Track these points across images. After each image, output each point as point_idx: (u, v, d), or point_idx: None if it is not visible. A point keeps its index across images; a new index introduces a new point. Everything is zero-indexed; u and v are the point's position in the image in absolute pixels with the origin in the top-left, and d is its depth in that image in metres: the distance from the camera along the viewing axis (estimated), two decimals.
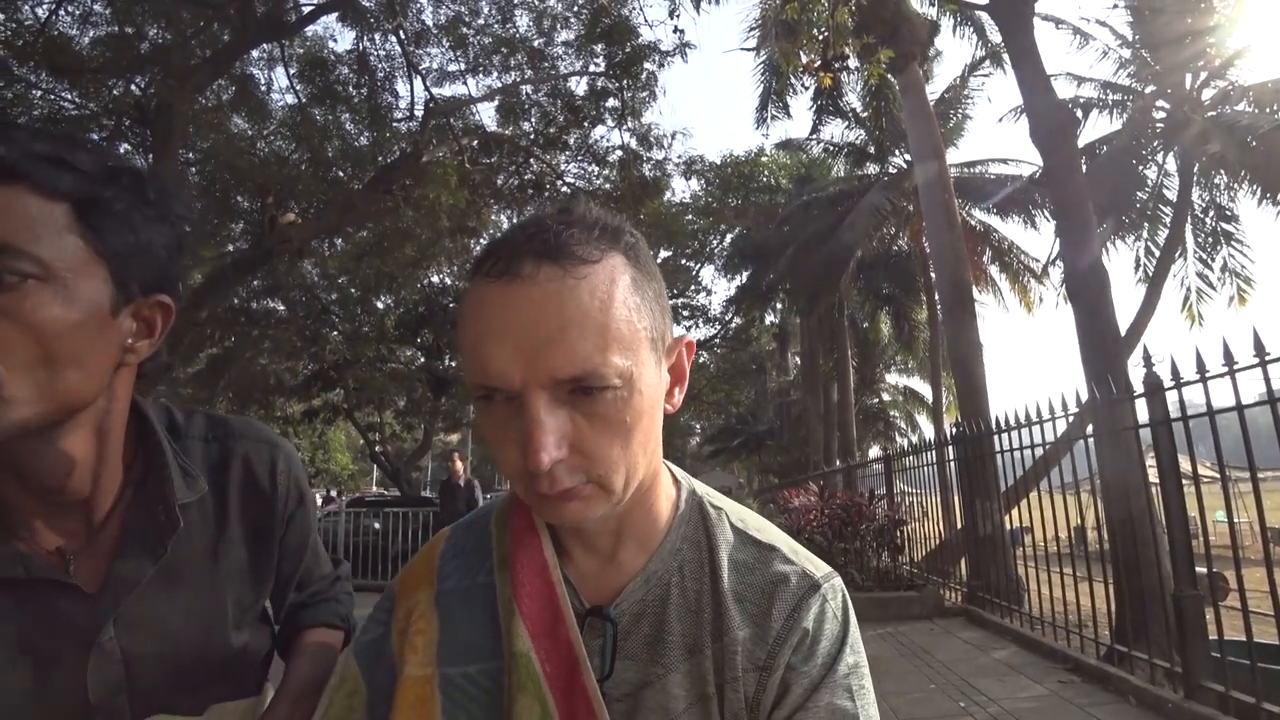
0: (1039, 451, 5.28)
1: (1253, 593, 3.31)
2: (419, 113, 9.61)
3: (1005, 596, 5.70)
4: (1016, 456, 5.47)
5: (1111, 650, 4.20)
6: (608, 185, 11.95)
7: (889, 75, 10.18)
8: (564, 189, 12.02)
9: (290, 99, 9.52)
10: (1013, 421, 5.29)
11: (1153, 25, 8.82)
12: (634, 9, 9.27)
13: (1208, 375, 3.43)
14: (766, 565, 0.64)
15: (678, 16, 8.64)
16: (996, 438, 5.69)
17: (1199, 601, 3.51)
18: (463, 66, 9.65)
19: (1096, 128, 10.71)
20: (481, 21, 9.27)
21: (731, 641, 0.59)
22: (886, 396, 27.53)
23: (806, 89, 12.61)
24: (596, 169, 12.12)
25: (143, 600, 0.70)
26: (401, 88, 9.87)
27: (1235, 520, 4.21)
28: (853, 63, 9.45)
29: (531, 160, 11.36)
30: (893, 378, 26.61)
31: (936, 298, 14.12)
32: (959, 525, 7.28)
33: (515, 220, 14.61)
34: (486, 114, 10.87)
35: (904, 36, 8.98)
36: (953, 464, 6.93)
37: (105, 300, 0.61)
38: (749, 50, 10.62)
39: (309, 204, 9.79)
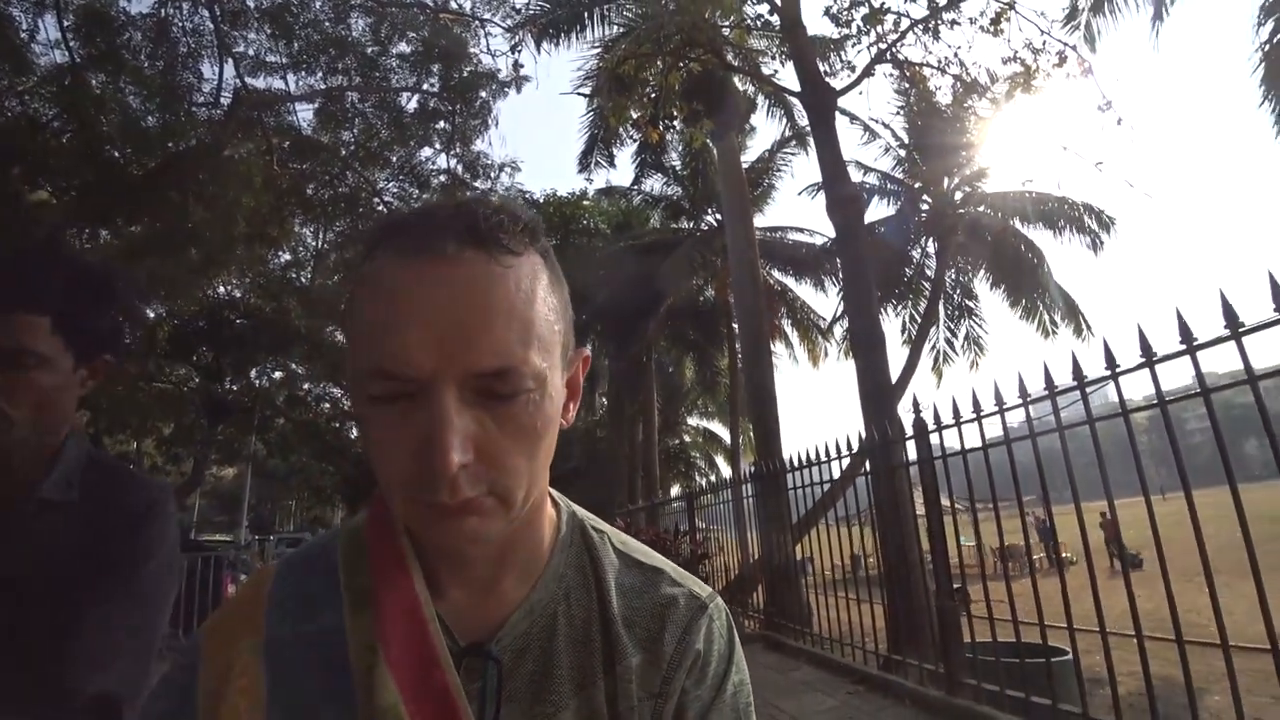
0: (826, 487, 5.88)
1: (992, 602, 3.97)
2: (225, 101, 8.65)
3: (797, 621, 6.23)
4: (806, 492, 6.01)
5: (889, 660, 4.75)
6: None
7: (709, 141, 11.10)
8: (380, 208, 11.45)
9: (60, 55, 8.10)
10: (804, 460, 5.76)
11: (923, 135, 10.67)
12: (478, 36, 9.24)
13: (962, 420, 4.09)
14: (654, 588, 0.61)
15: (519, 51, 8.77)
16: (790, 475, 6.15)
17: (956, 611, 4.13)
18: (284, 59, 8.87)
19: (876, 210, 12.59)
20: (312, 15, 8.65)
21: (625, 670, 0.56)
22: (687, 438, 29.11)
23: (634, 140, 13.27)
24: (417, 191, 11.73)
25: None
26: (208, 69, 8.80)
27: (980, 544, 4.98)
28: (677, 124, 10.21)
29: (348, 173, 10.72)
30: (694, 420, 28.23)
31: (738, 347, 15.34)
32: (754, 557, 7.87)
33: (321, 235, 13.55)
34: (304, 116, 10.08)
35: (726, 108, 9.87)
36: (750, 500, 7.49)
37: (69, 367, 0.97)
38: (583, 95, 11.03)
39: (70, 183, 8.34)
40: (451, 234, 0.47)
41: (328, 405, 14.50)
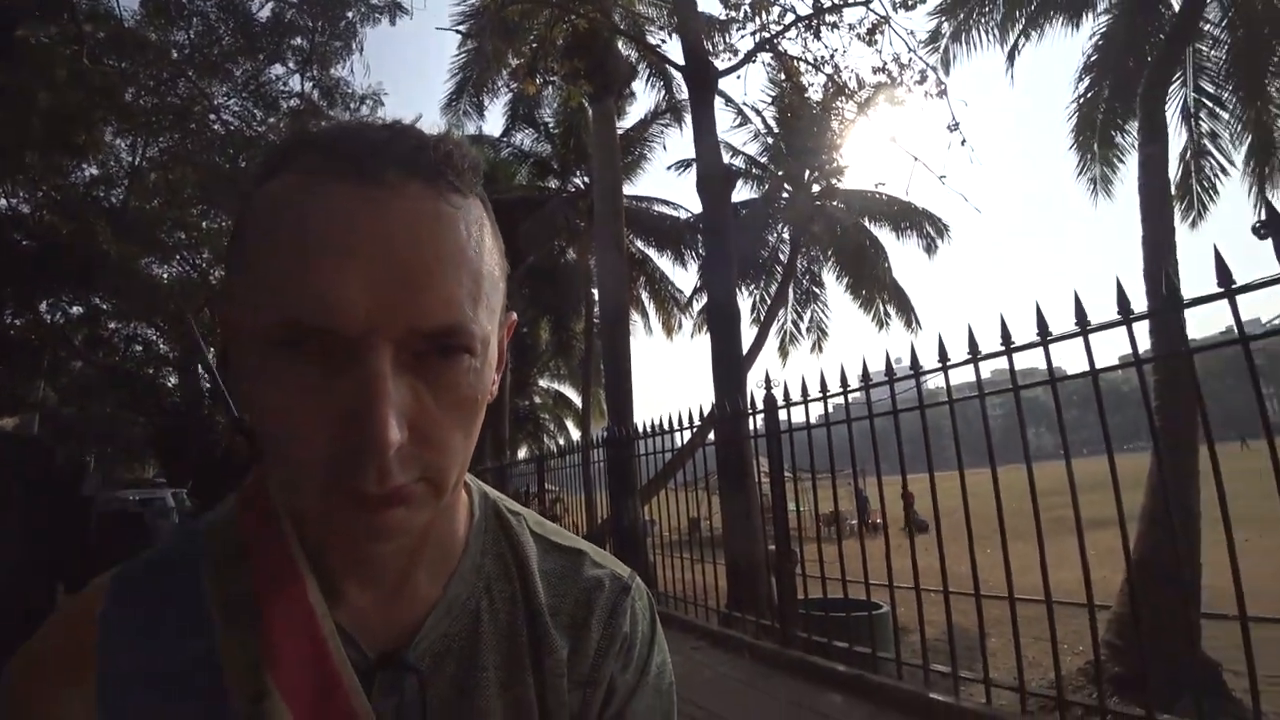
0: (671, 454, 6.15)
1: (815, 561, 4.42)
2: None
3: (643, 580, 6.52)
4: (655, 458, 6.24)
5: (728, 617, 5.13)
6: (274, 137, 10.52)
7: (586, 102, 10.96)
8: (216, 126, 10.19)
9: None
10: (657, 428, 5.94)
11: (791, 128, 11.27)
12: None
13: (810, 399, 4.46)
14: (578, 572, 0.57)
15: None
16: (642, 442, 6.30)
17: (793, 572, 4.55)
18: None
19: (740, 193, 13.17)
20: None
21: (555, 664, 0.52)
22: (538, 399, 29.07)
23: (509, 90, 12.78)
24: (263, 114, 10.57)
25: None
26: None
27: (816, 509, 5.49)
28: (556, 79, 9.98)
29: (180, 81, 9.39)
30: (545, 382, 28.20)
31: (596, 312, 15.46)
32: (600, 519, 8.12)
33: (141, 150, 11.82)
34: (127, 4, 8.65)
35: (608, 70, 9.78)
36: (602, 464, 7.68)
37: None
38: (460, 33, 10.41)
39: None
40: (391, 159, 0.38)
41: (140, 348, 12.73)
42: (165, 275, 12.12)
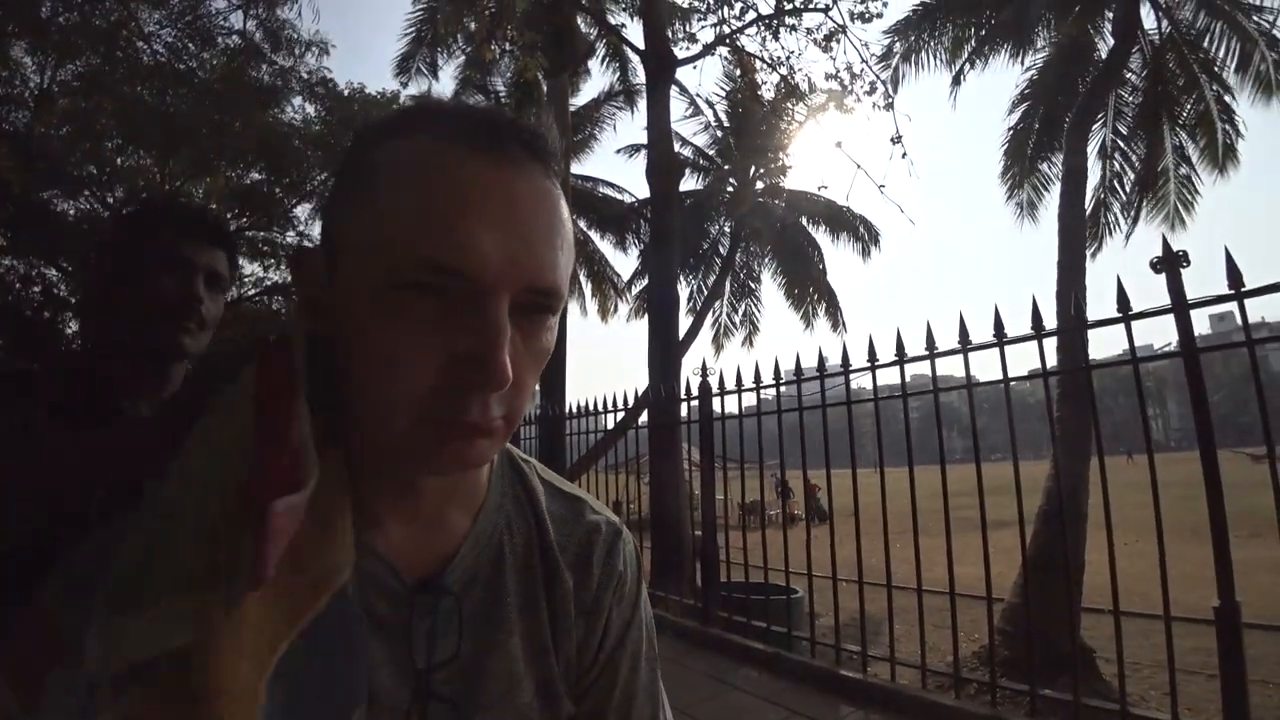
0: (599, 435, 6.22)
1: (738, 549, 4.60)
2: None
3: None
4: (583, 439, 6.27)
5: (653, 596, 5.26)
6: (205, 73, 9.84)
7: (540, 75, 10.77)
8: (145, 57, 9.47)
9: None
10: (590, 409, 6.02)
11: (741, 123, 11.45)
12: None
13: (743, 388, 4.61)
14: (580, 516, 0.64)
15: None
16: (576, 421, 6.35)
17: (717, 555, 4.72)
18: None
19: (686, 183, 13.16)
20: None
21: (564, 593, 0.59)
22: None
23: (463, 53, 12.41)
24: (197, 48, 9.88)
25: None
26: None
27: (744, 498, 5.67)
28: (511, 48, 9.76)
29: (107, 1, 8.66)
30: None
31: None
32: None
33: (52, 71, 10.69)
34: None
35: (566, 45, 9.66)
36: (534, 442, 7.66)
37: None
38: None
39: None
40: (517, 142, 0.44)
41: (38, 288, 11.68)
42: (71, 211, 11.20)
